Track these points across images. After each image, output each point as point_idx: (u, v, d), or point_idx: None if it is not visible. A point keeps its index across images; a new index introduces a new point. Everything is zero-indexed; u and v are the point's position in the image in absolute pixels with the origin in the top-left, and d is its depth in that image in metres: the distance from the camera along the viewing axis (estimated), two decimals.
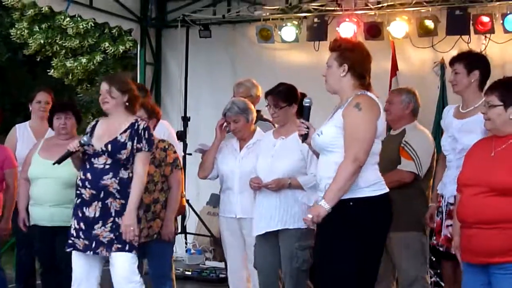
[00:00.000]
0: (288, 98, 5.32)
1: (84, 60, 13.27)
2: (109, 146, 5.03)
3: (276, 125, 5.65)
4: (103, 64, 13.51)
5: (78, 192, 5.07)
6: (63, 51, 13.55)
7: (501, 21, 7.87)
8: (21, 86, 15.33)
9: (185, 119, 9.12)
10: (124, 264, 5.01)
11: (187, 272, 8.39)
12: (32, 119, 6.85)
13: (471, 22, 7.97)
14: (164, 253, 5.78)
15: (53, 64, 13.65)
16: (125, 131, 5.07)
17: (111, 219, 5.00)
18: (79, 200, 5.06)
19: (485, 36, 8.02)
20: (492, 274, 4.13)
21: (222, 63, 9.53)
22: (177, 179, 5.75)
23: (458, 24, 8.04)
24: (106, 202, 5.00)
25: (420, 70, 8.62)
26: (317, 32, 8.65)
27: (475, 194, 4.16)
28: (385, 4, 8.48)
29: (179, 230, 8.15)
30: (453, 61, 5.15)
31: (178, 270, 8.00)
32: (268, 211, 5.22)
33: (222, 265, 7.73)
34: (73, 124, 5.92)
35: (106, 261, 5.15)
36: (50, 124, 5.98)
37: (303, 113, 4.66)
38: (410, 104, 5.72)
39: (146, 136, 5.10)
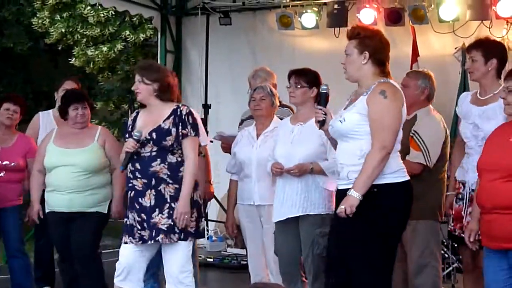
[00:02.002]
0: (309, 80, 5.33)
1: (105, 49, 13.32)
2: (154, 134, 5.03)
3: (295, 111, 5.67)
4: (123, 52, 13.55)
5: (130, 185, 5.06)
6: (84, 39, 13.61)
7: None
8: (43, 75, 15.45)
9: (206, 107, 9.14)
10: (179, 253, 5.03)
11: (208, 259, 8.44)
12: (56, 107, 6.91)
13: (492, 7, 7.91)
14: None
15: (75, 53, 13.71)
16: (168, 117, 5.07)
17: (167, 205, 4.99)
18: (133, 192, 5.05)
19: (507, 21, 7.96)
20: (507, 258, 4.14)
21: (242, 50, 9.53)
22: (200, 167, 5.75)
23: (479, 9, 7.98)
24: (159, 188, 5.00)
25: (441, 56, 8.57)
26: (337, 18, 8.62)
27: (493, 180, 4.17)
28: None
29: None
30: (471, 48, 5.10)
31: (200, 257, 8.02)
32: (289, 196, 5.22)
33: (243, 252, 7.76)
34: (89, 114, 5.97)
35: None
36: (62, 114, 5.99)
37: (320, 99, 4.68)
38: (426, 90, 5.61)
39: (191, 121, 5.10)
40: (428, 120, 5.54)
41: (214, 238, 9.37)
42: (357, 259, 4.33)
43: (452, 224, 5.21)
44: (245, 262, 6.74)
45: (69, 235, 5.81)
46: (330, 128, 4.51)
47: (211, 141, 6.76)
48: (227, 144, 6.28)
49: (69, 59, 13.91)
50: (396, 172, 4.36)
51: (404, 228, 4.48)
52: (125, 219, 5.12)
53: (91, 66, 13.75)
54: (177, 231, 4.98)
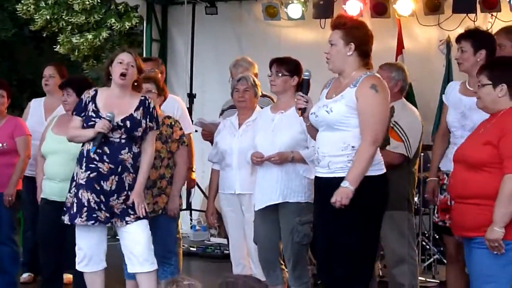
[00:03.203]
0: (290, 69, 5.34)
1: (90, 36, 13.26)
2: (127, 122, 5.05)
3: (275, 101, 5.70)
4: (109, 40, 13.50)
5: (92, 165, 5.05)
6: (69, 27, 13.54)
7: None
8: (28, 62, 15.36)
9: (191, 96, 9.14)
10: (143, 231, 5.08)
11: (191, 248, 8.46)
12: (47, 95, 6.93)
13: (477, 0, 7.94)
14: (170, 229, 5.82)
15: (59, 40, 13.64)
16: (138, 108, 5.10)
17: (125, 192, 5.07)
18: (95, 173, 5.05)
19: (492, 14, 8.00)
20: (470, 247, 4.22)
21: (228, 40, 9.52)
22: (183, 155, 5.79)
23: (465, 2, 8.01)
24: (122, 176, 5.06)
25: (426, 48, 8.61)
26: (323, 9, 8.62)
27: (458, 170, 4.26)
28: None
29: (184, 207, 8.20)
30: (460, 38, 5.09)
31: (183, 246, 8.02)
32: (269, 184, 5.23)
33: (226, 241, 7.78)
34: (74, 100, 5.88)
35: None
36: None
37: (302, 86, 4.69)
38: (399, 82, 5.63)
39: (155, 115, 5.18)
40: (407, 112, 5.58)
41: (197, 227, 9.38)
42: (339, 249, 4.37)
43: (437, 216, 5.24)
44: (228, 252, 6.76)
45: (59, 224, 5.78)
46: (314, 116, 4.51)
47: (196, 131, 6.77)
48: (207, 132, 6.29)
49: (54, 47, 13.84)
50: (376, 165, 4.40)
51: (381, 220, 4.53)
52: (71, 198, 5.09)
53: (76, 53, 13.69)
54: (131, 213, 5.05)
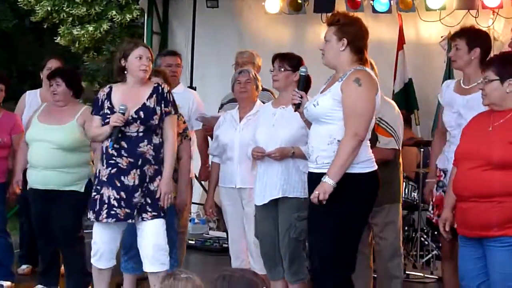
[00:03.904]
0: (293, 64, 5.33)
1: (91, 28, 13.22)
2: (141, 113, 5.03)
3: (276, 95, 5.70)
4: (109, 32, 13.47)
5: (112, 161, 5.04)
6: (70, 18, 13.50)
7: None
8: (28, 53, 15.34)
9: (191, 89, 9.12)
10: (157, 231, 5.07)
11: (190, 242, 8.45)
12: (42, 86, 6.89)
13: None
14: (171, 222, 5.83)
15: (60, 32, 13.61)
16: (150, 96, 5.08)
17: (145, 185, 5.04)
18: (115, 169, 5.03)
19: (493, 11, 7.99)
20: (487, 247, 4.18)
21: (229, 33, 9.51)
22: (187, 149, 5.78)
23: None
24: (143, 169, 5.03)
25: (427, 44, 8.61)
26: (325, 4, 8.61)
27: (472, 168, 4.21)
28: None
29: None
30: (455, 36, 5.09)
31: None
32: (270, 180, 5.23)
33: (225, 235, 7.79)
34: (64, 90, 5.91)
35: None
36: None
37: (299, 82, 4.71)
38: None
39: (171, 99, 5.15)
40: (389, 106, 5.55)
41: (196, 220, 9.38)
42: (323, 244, 4.41)
43: (431, 212, 5.24)
44: (226, 245, 6.78)
45: (47, 213, 5.80)
46: (305, 111, 4.57)
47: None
48: (208, 126, 6.29)
49: (55, 38, 13.83)
50: (364, 162, 4.41)
51: (367, 217, 4.57)
52: (94, 195, 5.09)
53: (77, 45, 13.66)
54: (152, 209, 5.02)
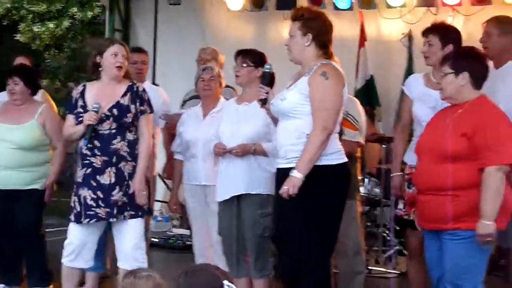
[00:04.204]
0: (255, 60, 5.33)
1: (51, 25, 13.16)
2: (114, 110, 5.00)
3: (238, 92, 5.71)
4: (71, 29, 13.40)
5: (86, 161, 5.00)
6: (31, 15, 13.40)
7: None
8: None
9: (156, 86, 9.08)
10: (135, 230, 5.04)
11: (153, 239, 8.41)
12: None
13: None
14: None
15: (20, 29, 13.50)
16: (125, 94, 5.06)
17: (125, 182, 5.00)
18: (90, 169, 4.99)
19: (453, 9, 8.08)
20: (443, 240, 4.24)
21: (191, 31, 9.48)
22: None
23: None
24: (119, 166, 4.99)
25: (388, 41, 8.67)
26: (286, 1, 8.63)
27: (429, 161, 4.27)
28: None
29: None
30: (427, 32, 5.07)
31: None
32: (232, 176, 5.23)
33: (188, 232, 7.78)
34: (22, 89, 5.84)
35: None
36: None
37: (264, 78, 4.71)
38: None
39: (146, 98, 5.12)
40: (353, 102, 5.57)
41: (159, 218, 9.35)
42: (298, 239, 4.37)
43: (403, 209, 5.22)
44: (190, 243, 6.77)
45: (9, 212, 5.74)
46: (272, 107, 4.56)
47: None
48: (172, 124, 6.28)
49: (14, 35, 13.69)
50: (333, 154, 4.41)
51: (342, 209, 4.53)
52: (74, 197, 5.05)
53: (37, 42, 13.56)
54: (132, 208, 4.99)
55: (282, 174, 4.42)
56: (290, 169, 4.33)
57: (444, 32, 5.03)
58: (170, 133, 6.54)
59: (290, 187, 4.26)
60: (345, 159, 4.49)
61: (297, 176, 4.26)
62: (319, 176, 4.30)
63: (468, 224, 4.13)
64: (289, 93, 4.44)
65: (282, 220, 4.49)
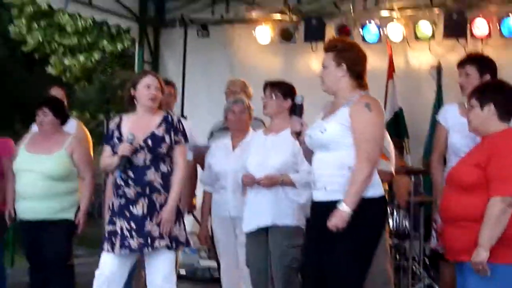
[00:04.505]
0: (285, 91, 5.35)
1: (82, 58, 13.30)
2: (149, 141, 5.02)
3: (267, 125, 5.71)
4: (101, 62, 13.54)
5: (120, 192, 5.02)
6: (61, 48, 13.56)
7: (498, 26, 7.90)
8: (19, 83, 15.34)
9: (183, 118, 9.12)
10: (164, 262, 5.03)
11: (181, 271, 8.40)
12: None
13: (468, 26, 8.00)
14: None
15: (51, 62, 13.66)
16: (160, 125, 5.08)
17: (157, 213, 5.00)
18: (123, 200, 5.01)
19: (482, 40, 8.05)
20: (460, 271, 4.20)
21: (220, 63, 9.53)
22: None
23: (455, 28, 8.06)
24: (152, 197, 4.99)
25: (416, 73, 8.64)
26: (315, 32, 8.67)
27: (449, 192, 4.26)
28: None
29: None
30: (465, 63, 5.07)
31: None
32: (259, 207, 5.22)
33: (216, 264, 7.74)
34: (51, 120, 5.90)
35: None
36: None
37: (296, 110, 4.69)
38: None
39: (181, 129, 5.14)
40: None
41: (187, 250, 9.32)
42: (334, 272, 4.30)
43: (436, 243, 5.16)
44: (217, 275, 6.74)
45: (38, 242, 5.77)
46: (308, 138, 4.48)
47: None
48: (200, 156, 6.28)
49: (46, 68, 13.85)
50: (375, 186, 4.34)
51: (378, 242, 4.46)
52: (108, 227, 5.06)
53: (68, 75, 13.71)
54: (166, 239, 4.98)
55: (319, 207, 4.35)
56: (329, 202, 4.26)
57: (481, 62, 5.02)
58: (196, 167, 6.53)
59: (339, 222, 4.18)
60: (383, 192, 4.42)
61: (346, 210, 4.17)
62: (363, 209, 4.22)
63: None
64: (329, 125, 4.37)
65: (315, 254, 4.41)
